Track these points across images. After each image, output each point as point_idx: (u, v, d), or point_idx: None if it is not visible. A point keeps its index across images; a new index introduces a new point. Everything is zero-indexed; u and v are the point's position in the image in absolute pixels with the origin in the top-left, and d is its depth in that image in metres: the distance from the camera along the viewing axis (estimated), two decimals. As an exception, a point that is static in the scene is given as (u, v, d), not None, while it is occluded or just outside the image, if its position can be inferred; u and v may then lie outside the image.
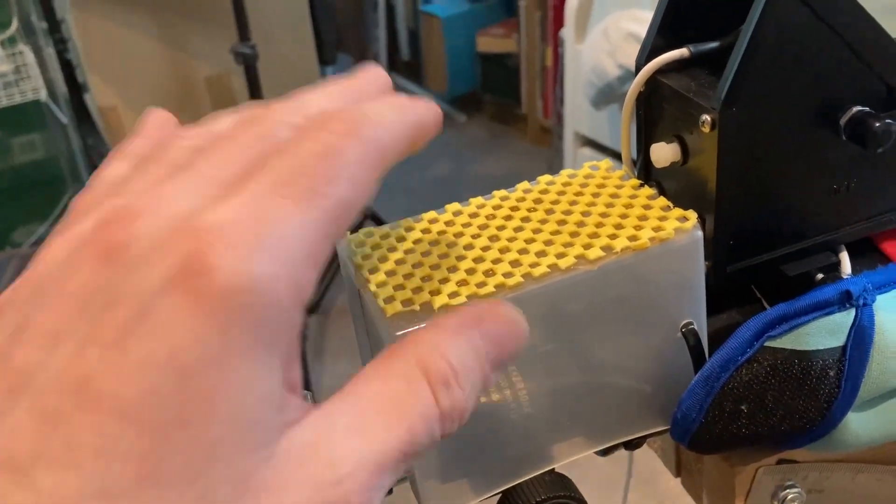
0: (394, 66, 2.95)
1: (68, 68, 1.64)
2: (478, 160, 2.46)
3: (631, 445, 0.30)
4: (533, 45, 2.37)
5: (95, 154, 1.64)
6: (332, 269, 1.85)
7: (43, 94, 1.60)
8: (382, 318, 0.24)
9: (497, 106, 2.66)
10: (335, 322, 1.85)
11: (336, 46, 2.21)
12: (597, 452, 0.31)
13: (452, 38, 2.69)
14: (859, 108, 0.26)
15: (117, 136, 1.65)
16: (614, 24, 1.32)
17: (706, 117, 0.25)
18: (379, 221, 1.99)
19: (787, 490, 0.32)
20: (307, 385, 1.56)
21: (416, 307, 0.24)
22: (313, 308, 1.86)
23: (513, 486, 0.28)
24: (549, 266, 0.25)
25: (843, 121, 0.26)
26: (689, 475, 0.36)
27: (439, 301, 0.24)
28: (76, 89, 1.68)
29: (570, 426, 0.29)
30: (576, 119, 1.65)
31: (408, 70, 2.93)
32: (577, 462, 0.29)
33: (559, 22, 1.95)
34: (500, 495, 0.28)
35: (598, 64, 1.35)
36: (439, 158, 2.49)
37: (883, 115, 0.26)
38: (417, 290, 0.25)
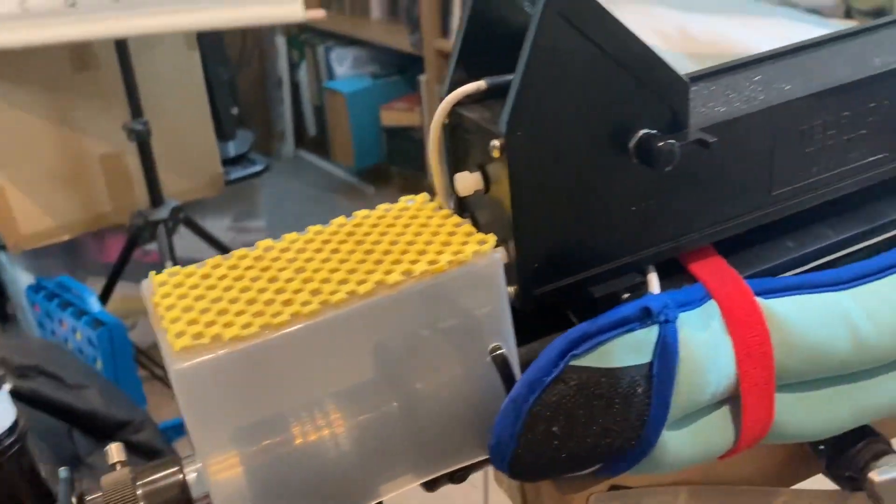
0: (301, 141, 2.97)
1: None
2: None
3: (455, 478, 0.30)
4: (434, 117, 2.41)
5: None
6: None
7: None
8: (171, 352, 0.24)
9: (404, 177, 2.70)
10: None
11: (237, 122, 2.21)
12: (424, 487, 0.30)
13: (357, 113, 2.73)
14: (645, 130, 0.27)
15: (5, 218, 1.60)
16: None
17: (495, 142, 0.26)
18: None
19: (623, 517, 0.32)
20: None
21: (206, 340, 0.24)
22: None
23: (332, 526, 0.27)
24: (347, 293, 0.25)
25: (631, 144, 0.27)
26: (534, 511, 0.36)
27: (230, 333, 0.24)
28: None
29: (390, 460, 0.28)
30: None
31: (315, 145, 2.94)
32: None
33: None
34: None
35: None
36: (347, 213, 2.48)
37: (668, 136, 0.27)
38: (211, 323, 0.24)
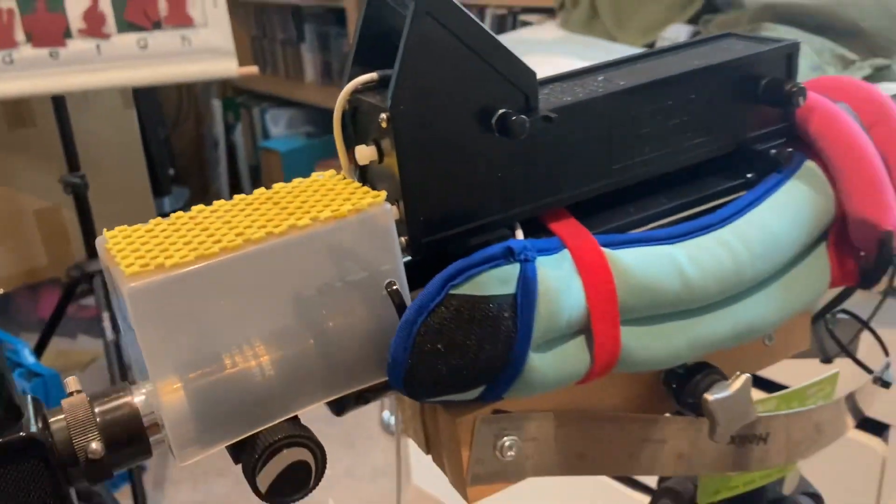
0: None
1: None
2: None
3: (362, 400, 0.36)
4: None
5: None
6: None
7: None
8: (123, 278, 0.30)
9: (340, 233, 2.76)
10: (177, 451, 1.80)
11: (173, 180, 2.26)
12: (333, 410, 0.36)
13: (292, 171, 2.79)
14: (503, 109, 0.34)
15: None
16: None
17: (383, 115, 0.33)
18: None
19: (505, 438, 0.39)
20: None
21: (152, 267, 0.30)
22: (154, 439, 1.81)
23: (257, 432, 0.33)
24: (266, 233, 0.31)
25: (493, 120, 0.34)
26: (435, 449, 0.42)
27: (171, 261, 0.30)
28: None
29: (305, 382, 0.34)
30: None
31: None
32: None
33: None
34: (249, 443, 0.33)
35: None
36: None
37: (521, 114, 0.34)
38: (155, 257, 0.30)
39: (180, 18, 1.49)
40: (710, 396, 0.39)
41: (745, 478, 0.47)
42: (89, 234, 1.62)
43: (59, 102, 1.56)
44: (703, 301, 0.39)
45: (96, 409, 0.32)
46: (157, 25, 1.49)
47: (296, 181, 0.36)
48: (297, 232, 0.32)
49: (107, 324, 1.60)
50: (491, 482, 0.39)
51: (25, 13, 1.44)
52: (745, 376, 0.40)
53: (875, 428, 0.89)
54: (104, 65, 1.48)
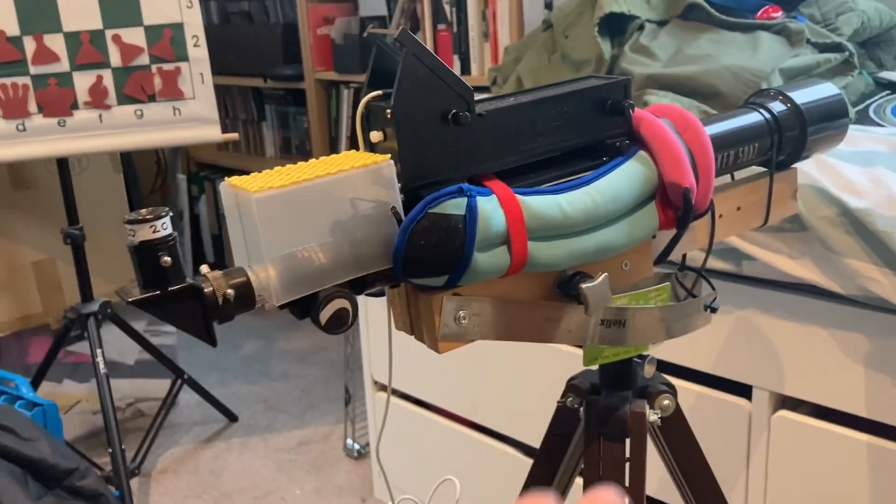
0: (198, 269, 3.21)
1: None
2: (286, 338, 2.72)
3: (375, 294, 0.60)
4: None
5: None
6: (152, 433, 1.99)
7: None
8: (249, 194, 0.54)
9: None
10: (156, 481, 1.97)
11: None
12: (355, 290, 0.60)
13: (254, 238, 3.01)
14: (455, 109, 0.60)
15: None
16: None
17: (388, 110, 0.58)
18: (194, 384, 2.17)
19: (461, 312, 0.63)
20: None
21: (266, 187, 0.54)
22: (135, 472, 1.98)
23: (317, 291, 0.57)
24: (325, 172, 0.56)
25: (449, 116, 0.60)
26: (416, 328, 0.66)
27: (276, 184, 0.55)
28: None
29: (343, 265, 0.58)
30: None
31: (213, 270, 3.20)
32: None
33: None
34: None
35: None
36: (248, 338, 2.72)
37: (465, 112, 0.60)
38: (265, 184, 0.55)
39: (172, 92, 1.75)
40: (583, 285, 0.65)
41: (612, 350, 0.72)
42: (84, 280, 1.82)
43: (62, 164, 1.78)
44: (576, 227, 0.64)
45: (227, 278, 0.56)
46: (152, 98, 1.74)
47: (332, 155, 0.62)
48: (343, 173, 0.57)
49: (99, 360, 1.78)
50: (453, 340, 0.64)
51: (38, 88, 1.68)
52: (605, 274, 0.65)
53: (741, 390, 1.15)
54: (105, 132, 1.72)
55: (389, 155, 0.59)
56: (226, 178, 0.59)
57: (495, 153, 0.64)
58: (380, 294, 0.65)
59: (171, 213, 0.55)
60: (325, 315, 0.57)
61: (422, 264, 0.59)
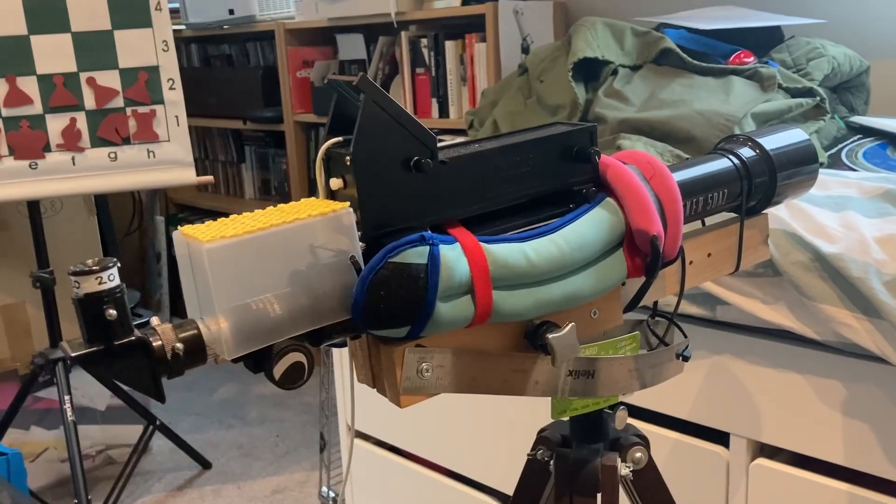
0: (176, 310, 3.17)
1: None
2: (260, 382, 2.67)
3: (337, 344, 0.58)
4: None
5: None
6: (122, 480, 1.94)
7: None
8: (201, 244, 0.52)
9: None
10: (127, 532, 1.92)
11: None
12: (312, 342, 0.58)
13: (232, 280, 2.98)
14: (416, 157, 0.59)
15: None
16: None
17: (347, 157, 0.57)
18: (167, 430, 2.12)
19: (424, 364, 0.61)
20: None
21: (217, 237, 0.53)
22: (104, 522, 1.92)
23: (271, 345, 0.55)
24: (281, 220, 0.55)
25: (411, 163, 0.59)
26: (378, 380, 0.64)
27: (228, 233, 0.53)
28: None
29: (300, 316, 0.56)
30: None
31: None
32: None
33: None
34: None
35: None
36: (225, 382, 2.68)
37: (427, 160, 0.59)
38: (217, 234, 0.53)
39: (147, 135, 1.74)
40: (549, 335, 0.63)
41: (582, 402, 0.70)
42: (54, 326, 1.79)
43: (33, 207, 1.76)
44: (542, 276, 0.63)
45: (177, 331, 0.54)
46: (126, 141, 1.73)
47: (294, 202, 0.60)
48: (300, 221, 0.55)
49: (67, 407, 1.74)
50: (416, 394, 0.61)
51: (10, 130, 1.67)
52: (572, 323, 0.64)
53: (718, 437, 1.13)
54: (78, 174, 1.70)
55: (349, 203, 0.58)
56: (179, 227, 0.57)
57: (459, 200, 0.63)
58: (340, 345, 0.63)
59: (118, 265, 0.53)
60: (278, 370, 0.55)
61: (382, 315, 0.57)
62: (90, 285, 0.51)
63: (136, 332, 0.53)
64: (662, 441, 1.16)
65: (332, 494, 1.99)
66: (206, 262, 0.52)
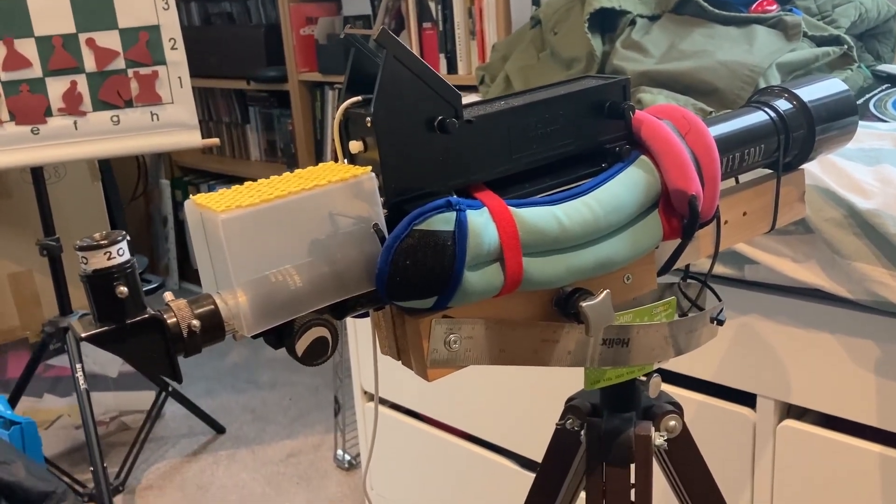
0: (184, 275, 3.15)
1: None
2: (272, 345, 2.66)
3: (354, 310, 0.55)
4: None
5: None
6: (136, 447, 1.94)
7: None
8: (215, 214, 0.49)
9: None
10: (142, 497, 1.91)
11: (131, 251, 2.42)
12: (336, 316, 0.55)
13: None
14: (441, 116, 0.55)
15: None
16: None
17: (368, 118, 0.53)
18: (179, 396, 2.12)
19: (452, 336, 0.58)
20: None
21: (233, 207, 0.49)
22: (119, 488, 1.92)
23: (293, 319, 0.52)
24: (300, 188, 0.51)
25: (435, 123, 0.55)
26: (404, 353, 0.61)
27: (245, 203, 0.49)
28: None
29: (322, 289, 0.53)
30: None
31: (197, 278, 3.14)
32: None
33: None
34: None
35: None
36: (236, 346, 2.66)
37: (452, 119, 0.55)
38: (233, 203, 0.50)
39: (150, 97, 1.69)
40: (583, 303, 0.60)
41: (615, 371, 0.67)
42: (63, 293, 1.76)
43: (37, 173, 1.72)
44: (574, 241, 0.59)
45: (192, 306, 0.51)
46: (128, 104, 1.68)
47: (309, 168, 0.56)
48: (320, 188, 0.52)
49: (79, 375, 1.73)
50: (443, 367, 0.59)
51: (10, 95, 1.62)
52: (606, 290, 0.60)
53: (744, 399, 1.11)
54: (81, 139, 1.66)
55: (370, 167, 0.54)
56: (191, 195, 0.54)
57: (486, 162, 0.59)
58: (363, 316, 0.60)
59: (127, 238, 0.49)
60: (301, 346, 0.52)
61: (408, 286, 0.54)
62: (99, 261, 0.47)
63: (150, 310, 0.50)
64: (687, 404, 1.14)
65: (347, 457, 1.99)
66: (222, 234, 0.49)
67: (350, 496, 1.87)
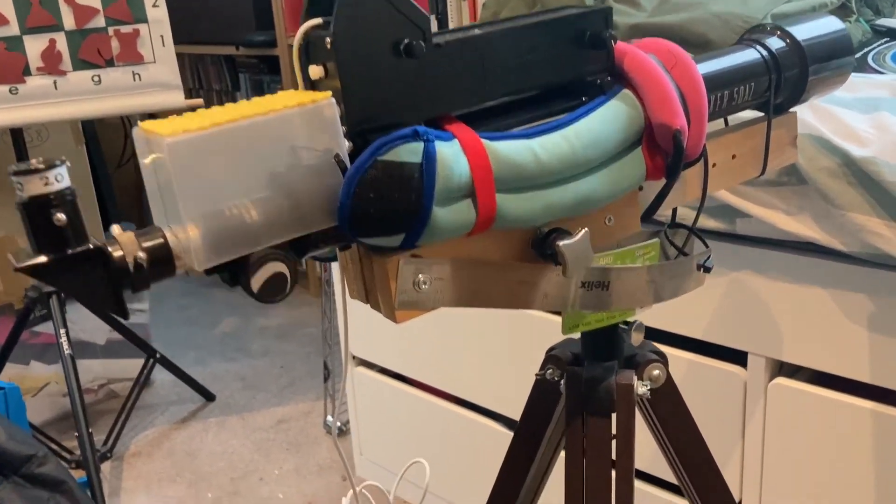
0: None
1: None
2: (263, 314, 2.63)
3: (314, 246, 0.52)
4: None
5: None
6: (124, 414, 1.91)
7: None
8: (161, 138, 0.45)
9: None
10: (129, 464, 1.90)
11: (119, 218, 2.38)
12: (295, 254, 0.52)
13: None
14: (407, 39, 0.52)
15: None
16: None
17: (328, 39, 0.50)
18: (167, 363, 2.09)
19: (420, 276, 0.55)
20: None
21: (180, 131, 0.46)
22: (107, 455, 1.90)
23: (248, 254, 0.49)
24: (253, 112, 0.48)
25: (401, 46, 0.52)
26: (371, 295, 0.58)
27: (193, 126, 0.46)
28: None
29: (280, 223, 0.50)
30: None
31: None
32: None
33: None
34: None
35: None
36: (226, 315, 2.64)
37: (419, 42, 0.52)
38: (180, 127, 0.46)
39: (131, 56, 1.65)
40: (560, 242, 0.57)
41: (595, 316, 0.65)
42: (45, 258, 1.73)
43: (17, 135, 1.69)
44: (552, 177, 0.56)
45: (140, 239, 0.48)
46: (109, 63, 1.64)
47: (267, 96, 0.53)
48: (276, 113, 0.48)
49: (63, 340, 1.70)
50: (412, 309, 0.56)
51: (-14, 53, 1.58)
52: (585, 229, 0.57)
53: (735, 357, 1.08)
54: (61, 99, 1.62)
55: (331, 93, 0.51)
56: (139, 122, 0.50)
57: (457, 92, 0.55)
58: (329, 258, 0.57)
59: (67, 164, 0.46)
60: (257, 281, 0.49)
61: (372, 221, 0.51)
62: (35, 186, 0.44)
63: (94, 241, 0.47)
64: (676, 362, 1.11)
65: (337, 424, 1.97)
66: (169, 160, 0.46)
67: (339, 462, 1.85)
